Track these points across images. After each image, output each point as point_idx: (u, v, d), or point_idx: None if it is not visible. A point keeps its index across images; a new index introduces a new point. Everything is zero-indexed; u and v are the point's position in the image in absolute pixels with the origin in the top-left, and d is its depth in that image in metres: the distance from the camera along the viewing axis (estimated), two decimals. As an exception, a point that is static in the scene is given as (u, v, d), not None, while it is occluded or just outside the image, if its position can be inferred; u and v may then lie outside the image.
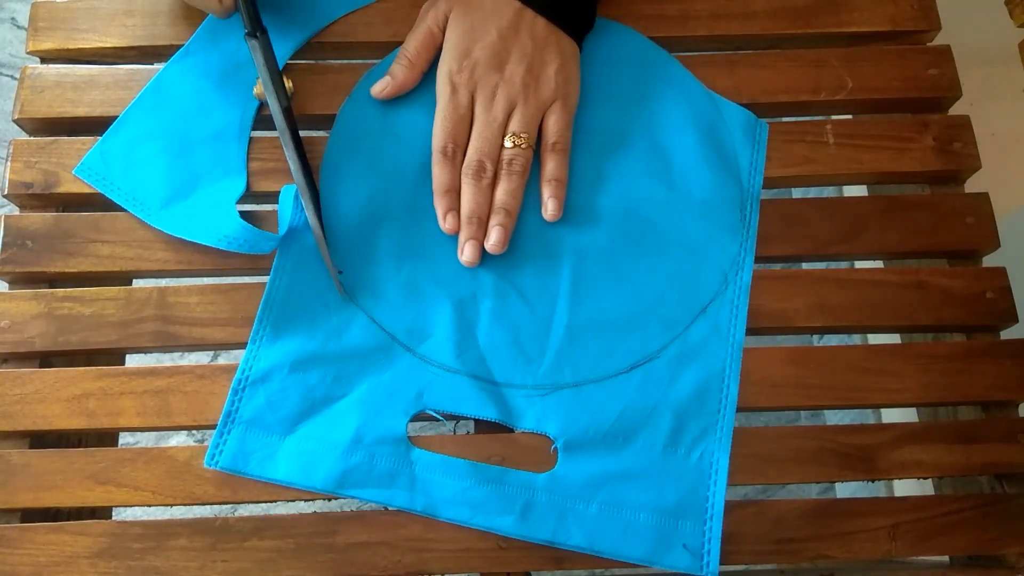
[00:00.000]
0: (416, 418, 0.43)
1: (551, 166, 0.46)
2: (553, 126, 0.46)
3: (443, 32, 0.47)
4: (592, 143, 0.48)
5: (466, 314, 0.45)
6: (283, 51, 0.49)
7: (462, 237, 0.45)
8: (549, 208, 0.46)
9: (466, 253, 0.45)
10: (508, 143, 0.46)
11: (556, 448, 0.43)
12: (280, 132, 0.46)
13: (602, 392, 0.44)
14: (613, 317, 0.45)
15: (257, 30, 0.46)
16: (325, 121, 0.50)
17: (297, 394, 0.43)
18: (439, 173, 0.45)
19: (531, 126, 0.46)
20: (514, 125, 0.46)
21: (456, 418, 0.44)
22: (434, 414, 0.43)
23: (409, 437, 0.43)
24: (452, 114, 0.45)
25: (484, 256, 0.46)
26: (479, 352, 0.44)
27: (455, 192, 0.45)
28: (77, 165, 0.47)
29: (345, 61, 0.51)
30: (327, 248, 0.44)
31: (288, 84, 0.48)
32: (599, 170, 0.48)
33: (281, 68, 0.49)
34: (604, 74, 0.49)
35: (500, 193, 0.45)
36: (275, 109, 0.46)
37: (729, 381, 0.44)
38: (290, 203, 0.46)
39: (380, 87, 0.47)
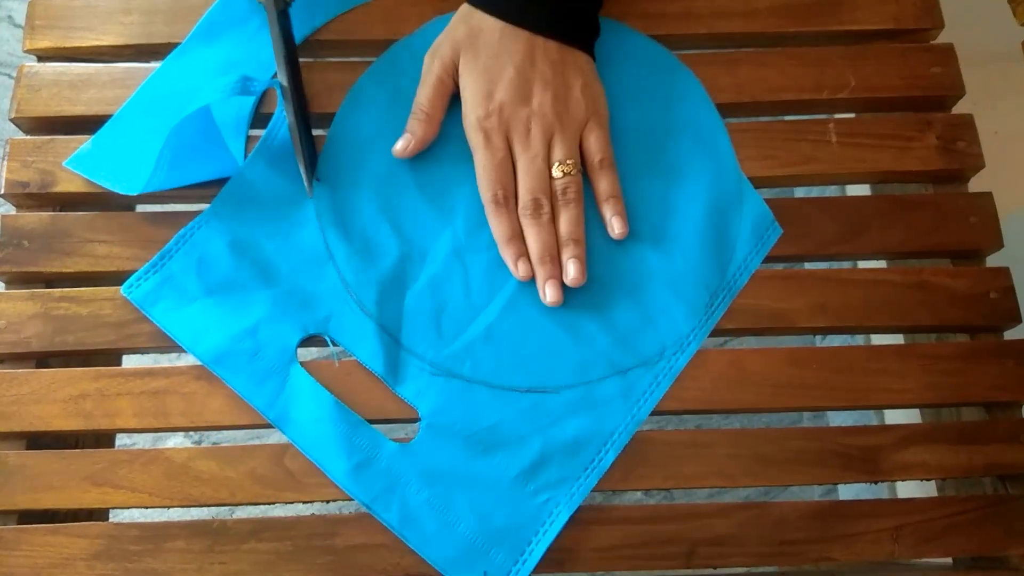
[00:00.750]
0: (310, 341, 0.44)
1: (604, 184, 0.46)
2: (594, 144, 0.46)
3: (453, 80, 0.46)
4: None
5: (406, 270, 0.45)
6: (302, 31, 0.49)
7: (540, 279, 0.44)
8: (616, 227, 0.45)
9: (550, 295, 0.44)
10: (556, 172, 0.45)
11: (420, 426, 0.43)
12: (268, 16, 0.45)
13: (489, 398, 0.44)
14: (537, 336, 0.44)
15: None
16: (323, 119, 0.49)
17: (225, 269, 0.45)
18: (498, 223, 0.45)
19: (574, 151, 0.45)
20: (557, 154, 0.45)
21: (344, 355, 0.44)
22: (329, 340, 0.44)
23: (297, 351, 0.43)
24: (492, 161, 0.45)
25: (448, 229, 0.46)
26: (399, 309, 0.45)
27: (519, 238, 0.45)
28: (69, 157, 0.47)
29: (343, 59, 0.51)
30: (303, 149, 0.45)
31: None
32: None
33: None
34: (639, 109, 0.49)
35: (563, 225, 0.45)
36: (274, 26, 0.45)
37: (611, 448, 0.43)
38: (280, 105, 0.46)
39: (402, 146, 0.46)
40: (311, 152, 0.46)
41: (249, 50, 0.49)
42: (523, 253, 0.45)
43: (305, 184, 0.45)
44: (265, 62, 0.48)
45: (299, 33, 0.49)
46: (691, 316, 0.45)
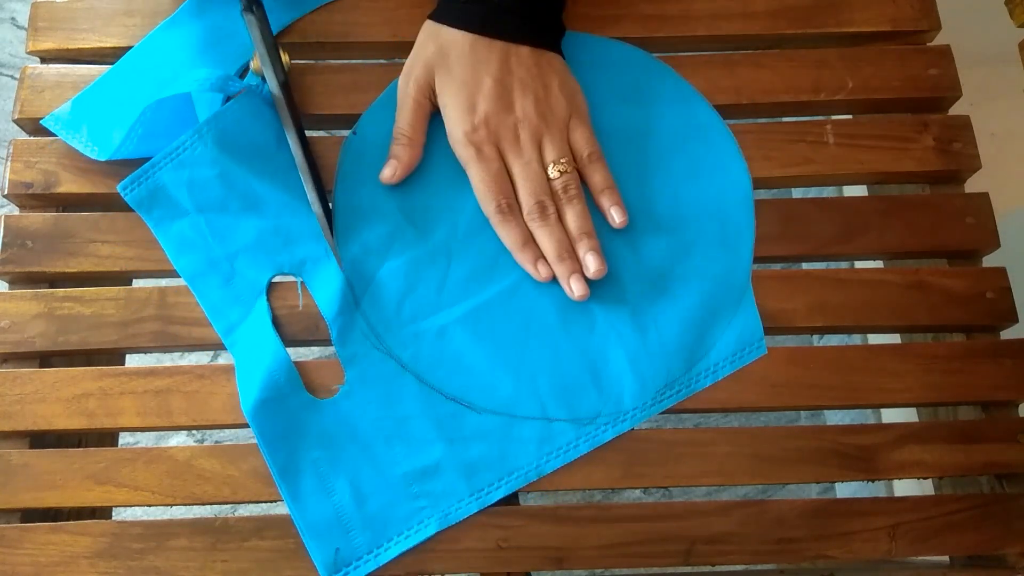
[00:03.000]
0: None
1: (597, 177, 0.46)
2: (580, 140, 0.46)
3: (430, 100, 0.46)
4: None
5: (394, 241, 0.46)
6: (277, 22, 0.49)
7: (563, 277, 0.44)
8: (616, 216, 0.45)
9: (576, 290, 0.44)
10: (553, 173, 0.45)
11: (340, 389, 0.44)
12: (278, 107, 0.46)
13: (414, 391, 0.44)
14: (483, 354, 0.44)
15: (253, 4, 0.45)
16: (325, 121, 0.50)
17: (216, 193, 0.46)
18: (507, 231, 0.45)
19: (565, 149, 0.46)
20: (549, 155, 0.45)
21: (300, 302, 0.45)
22: (298, 284, 0.45)
23: (267, 289, 0.45)
24: (488, 172, 0.45)
25: (449, 222, 0.46)
26: (372, 276, 0.45)
27: (532, 242, 0.45)
28: (46, 116, 0.48)
29: (344, 61, 0.51)
30: (329, 229, 0.45)
31: (285, 58, 0.47)
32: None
33: (276, 36, 0.49)
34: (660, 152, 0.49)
35: (572, 221, 0.45)
36: (272, 84, 0.46)
37: (504, 485, 0.42)
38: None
39: (389, 172, 0.46)
40: (326, 207, 0.46)
41: (239, 24, 0.49)
42: (539, 256, 0.45)
43: (328, 242, 0.45)
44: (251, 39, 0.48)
45: (294, 13, 0.50)
46: (638, 396, 0.44)
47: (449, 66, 0.45)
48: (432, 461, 0.43)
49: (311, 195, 0.45)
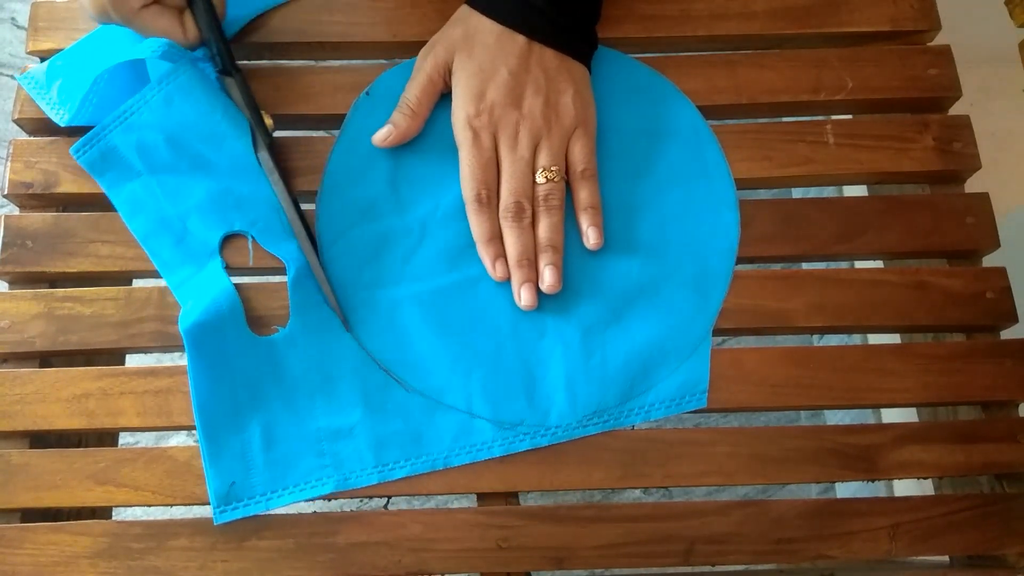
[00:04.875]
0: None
1: (584, 194, 0.46)
2: (579, 153, 0.46)
3: (443, 80, 0.46)
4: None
5: (373, 207, 0.47)
6: (235, 20, 0.49)
7: (516, 282, 0.44)
8: (591, 237, 0.45)
9: (524, 298, 0.44)
10: (540, 178, 0.45)
11: (283, 329, 0.44)
12: (267, 171, 0.46)
13: (352, 352, 0.44)
14: (427, 337, 0.44)
15: (232, 68, 0.46)
16: (325, 121, 0.50)
17: (165, 156, 0.46)
18: (478, 222, 0.45)
19: (559, 158, 0.45)
20: (543, 159, 0.45)
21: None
22: (249, 240, 0.45)
23: (220, 248, 0.45)
24: (478, 159, 0.45)
25: (431, 200, 0.46)
26: (342, 240, 0.46)
27: (499, 239, 0.45)
28: (23, 73, 0.48)
29: (345, 62, 0.51)
30: (327, 281, 0.45)
31: (267, 120, 0.47)
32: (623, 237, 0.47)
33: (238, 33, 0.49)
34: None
35: (543, 231, 0.44)
36: (261, 147, 0.46)
37: (410, 466, 0.43)
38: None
39: (383, 136, 0.46)
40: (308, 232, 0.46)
41: None
42: (501, 254, 0.45)
43: (339, 317, 0.45)
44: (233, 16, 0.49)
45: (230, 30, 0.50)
46: (565, 415, 0.44)
47: (471, 51, 0.45)
48: (348, 424, 0.43)
49: (311, 258, 0.45)
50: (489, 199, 0.45)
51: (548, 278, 0.44)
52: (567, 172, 0.46)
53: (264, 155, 0.46)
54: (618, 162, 0.48)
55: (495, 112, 0.45)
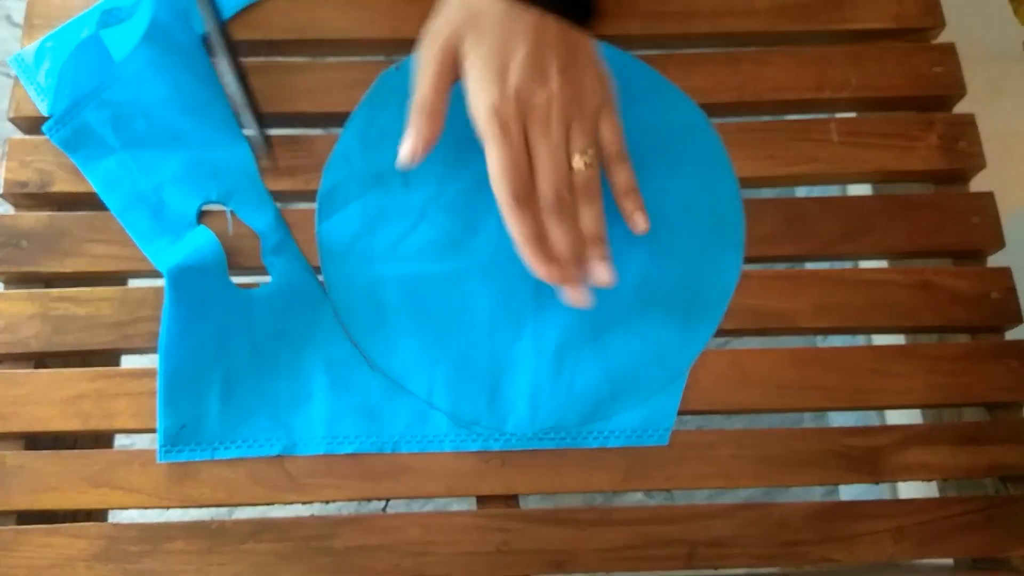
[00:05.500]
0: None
1: (622, 176, 0.42)
2: (608, 133, 0.42)
3: (454, 68, 0.41)
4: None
5: (373, 190, 0.47)
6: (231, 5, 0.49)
7: (568, 282, 0.40)
8: (639, 223, 0.42)
9: (578, 299, 0.40)
10: (578, 165, 0.40)
11: (266, 287, 0.44)
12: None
13: (324, 316, 0.44)
14: (401, 318, 0.44)
15: (226, 48, 0.46)
16: (323, 118, 0.49)
17: (139, 129, 0.46)
18: (520, 222, 0.39)
19: (593, 140, 0.41)
20: (577, 144, 0.41)
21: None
22: (228, 214, 0.45)
23: (198, 219, 0.45)
24: (510, 155, 0.39)
25: (435, 186, 0.46)
26: (340, 212, 0.46)
27: (545, 238, 0.40)
28: (12, 56, 0.48)
29: (344, 59, 0.50)
30: (250, 114, 0.45)
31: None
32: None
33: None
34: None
35: (588, 222, 0.41)
36: (250, 125, 0.46)
37: (358, 444, 0.43)
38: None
39: (410, 150, 0.41)
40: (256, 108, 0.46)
41: None
42: (552, 255, 0.40)
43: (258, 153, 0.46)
44: None
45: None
46: (522, 425, 0.43)
47: (479, 32, 0.40)
48: (307, 392, 0.43)
49: (230, 80, 0.45)
50: (529, 196, 0.40)
51: (601, 273, 0.40)
52: (602, 156, 0.42)
53: (255, 134, 0.46)
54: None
55: (522, 94, 0.40)
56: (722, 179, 0.48)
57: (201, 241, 0.44)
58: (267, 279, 0.45)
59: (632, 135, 0.44)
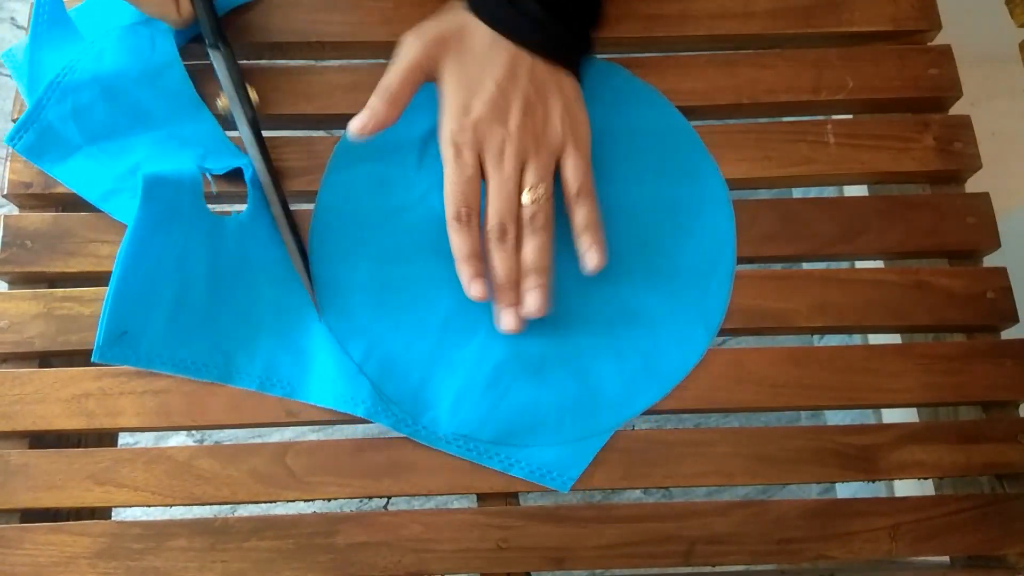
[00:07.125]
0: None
1: (581, 214, 0.44)
2: (571, 172, 0.44)
3: (428, 73, 0.44)
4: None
5: (379, 170, 0.47)
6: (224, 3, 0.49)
7: (499, 305, 0.43)
8: (591, 259, 0.43)
9: (506, 323, 0.43)
10: (526, 199, 0.43)
11: (231, 215, 0.45)
12: (248, 145, 0.46)
13: (296, 290, 0.45)
14: (385, 307, 0.45)
15: (219, 41, 0.46)
16: (324, 121, 0.50)
17: (101, 116, 0.46)
18: (458, 240, 0.43)
19: (547, 176, 0.43)
20: (529, 179, 0.43)
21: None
22: (209, 177, 0.46)
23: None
24: (460, 176, 0.42)
25: (421, 190, 0.46)
26: (337, 187, 0.47)
27: (477, 257, 0.43)
28: (4, 51, 0.48)
29: (344, 62, 0.51)
30: (304, 268, 0.45)
31: (252, 94, 0.47)
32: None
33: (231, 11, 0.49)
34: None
35: (529, 253, 0.43)
36: (241, 122, 0.46)
37: (301, 393, 0.44)
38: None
39: (360, 123, 0.42)
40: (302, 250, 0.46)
41: None
42: (480, 273, 0.43)
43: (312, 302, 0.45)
44: None
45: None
46: (434, 422, 0.43)
47: (461, 53, 0.43)
48: (253, 329, 0.44)
49: (286, 237, 0.45)
50: (469, 218, 0.42)
51: (531, 303, 0.42)
52: (563, 193, 0.44)
53: (246, 131, 0.46)
54: (601, 179, 0.46)
55: (479, 128, 0.43)
56: (703, 174, 0.48)
57: (182, 164, 0.45)
58: (242, 208, 0.45)
59: (612, 142, 0.46)
